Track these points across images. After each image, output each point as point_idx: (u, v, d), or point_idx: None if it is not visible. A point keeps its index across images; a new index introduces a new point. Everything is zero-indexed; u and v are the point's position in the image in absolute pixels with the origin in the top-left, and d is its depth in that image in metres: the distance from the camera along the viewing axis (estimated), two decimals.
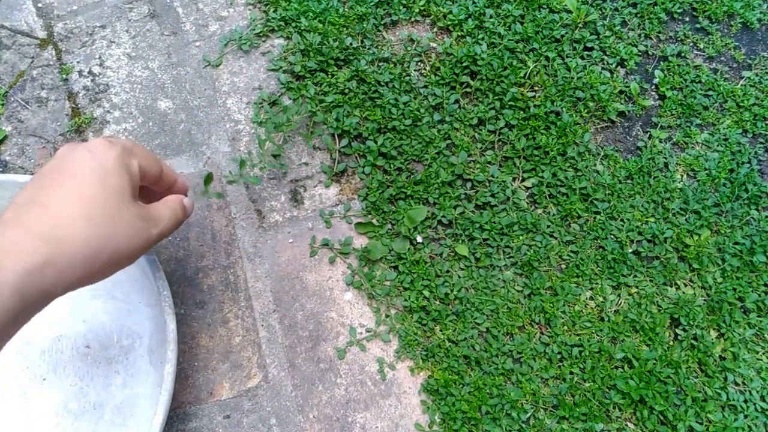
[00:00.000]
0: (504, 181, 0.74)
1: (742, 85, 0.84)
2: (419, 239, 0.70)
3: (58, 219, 0.38)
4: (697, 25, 0.88)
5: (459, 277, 0.69)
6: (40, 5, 0.82)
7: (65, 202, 0.39)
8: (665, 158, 0.77)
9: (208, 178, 0.59)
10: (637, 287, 0.70)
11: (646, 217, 0.74)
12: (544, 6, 0.86)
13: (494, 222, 0.71)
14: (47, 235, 0.37)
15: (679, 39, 0.87)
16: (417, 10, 0.84)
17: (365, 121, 0.75)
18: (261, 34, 0.82)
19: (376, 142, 0.74)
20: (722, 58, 0.86)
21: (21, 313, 0.36)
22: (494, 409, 0.62)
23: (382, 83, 0.78)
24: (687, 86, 0.83)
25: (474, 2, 0.84)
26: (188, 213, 0.51)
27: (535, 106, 0.78)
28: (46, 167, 0.41)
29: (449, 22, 0.84)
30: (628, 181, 0.76)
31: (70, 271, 0.38)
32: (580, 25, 0.85)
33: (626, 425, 0.63)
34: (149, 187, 0.50)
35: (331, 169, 0.74)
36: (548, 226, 0.72)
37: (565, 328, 0.67)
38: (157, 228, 0.45)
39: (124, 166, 0.42)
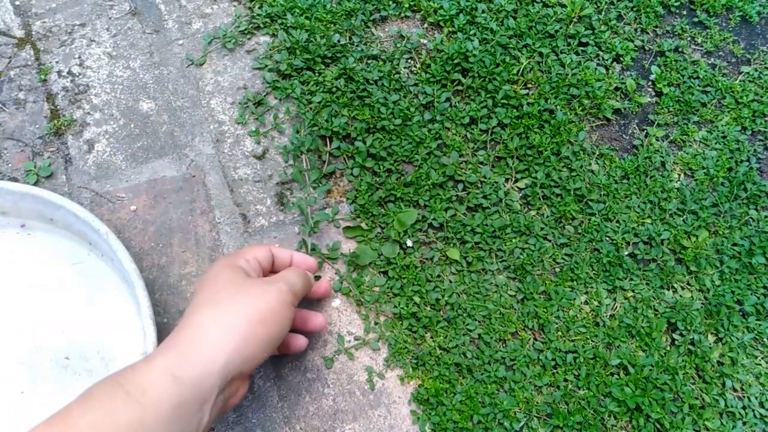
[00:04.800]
0: (496, 182, 0.72)
1: (740, 80, 0.81)
2: (409, 243, 0.68)
3: (200, 320, 0.47)
4: (695, 19, 0.86)
5: (450, 282, 0.67)
6: (17, 3, 0.79)
7: (203, 308, 0.48)
8: (662, 157, 0.75)
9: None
10: (633, 291, 0.68)
11: (643, 219, 0.72)
12: (538, 0, 0.83)
13: (486, 225, 0.69)
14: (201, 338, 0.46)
15: (676, 33, 0.85)
16: (407, 6, 0.82)
17: (353, 121, 0.73)
18: (246, 32, 0.80)
19: (364, 143, 0.72)
20: (720, 53, 0.84)
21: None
22: (486, 419, 0.61)
23: (371, 81, 0.76)
24: (684, 82, 0.81)
25: None
26: (307, 268, 0.60)
27: (528, 104, 0.76)
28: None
29: (440, 18, 0.81)
30: (624, 181, 0.74)
31: (234, 348, 0.45)
32: (574, 20, 0.82)
33: None
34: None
35: (318, 171, 0.72)
36: (542, 229, 0.70)
37: (560, 333, 0.66)
38: (279, 282, 0.51)
39: (232, 265, 0.52)
